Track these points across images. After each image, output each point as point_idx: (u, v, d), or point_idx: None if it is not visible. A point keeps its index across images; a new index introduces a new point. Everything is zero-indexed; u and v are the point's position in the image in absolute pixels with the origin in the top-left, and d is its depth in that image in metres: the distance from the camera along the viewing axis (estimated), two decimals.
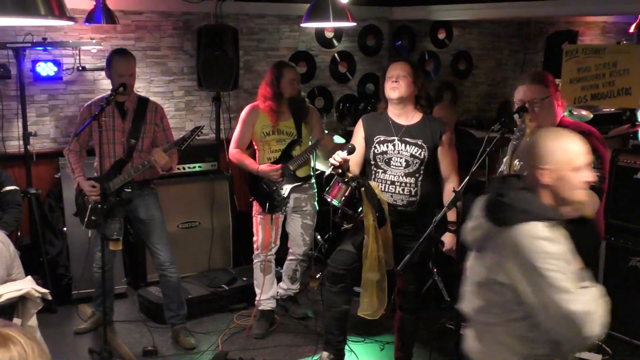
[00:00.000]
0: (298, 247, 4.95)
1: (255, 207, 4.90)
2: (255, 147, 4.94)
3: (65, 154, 4.69)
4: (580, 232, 3.04)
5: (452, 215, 3.70)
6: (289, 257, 5.04)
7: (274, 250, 4.93)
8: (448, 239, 3.92)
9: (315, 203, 4.97)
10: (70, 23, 1.58)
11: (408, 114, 4.02)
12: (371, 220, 3.86)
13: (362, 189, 3.87)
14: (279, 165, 4.73)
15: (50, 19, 1.45)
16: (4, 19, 1.49)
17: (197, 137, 4.55)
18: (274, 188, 4.77)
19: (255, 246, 4.93)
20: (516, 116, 3.25)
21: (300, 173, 4.82)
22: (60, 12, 1.44)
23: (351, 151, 3.88)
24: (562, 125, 3.17)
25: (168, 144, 4.53)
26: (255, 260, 4.95)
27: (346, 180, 3.88)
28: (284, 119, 4.81)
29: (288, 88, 4.74)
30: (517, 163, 3.20)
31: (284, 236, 5.02)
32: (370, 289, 3.96)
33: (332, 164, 3.81)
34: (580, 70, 5.09)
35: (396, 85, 3.94)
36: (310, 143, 4.86)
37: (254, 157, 4.91)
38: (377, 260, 3.89)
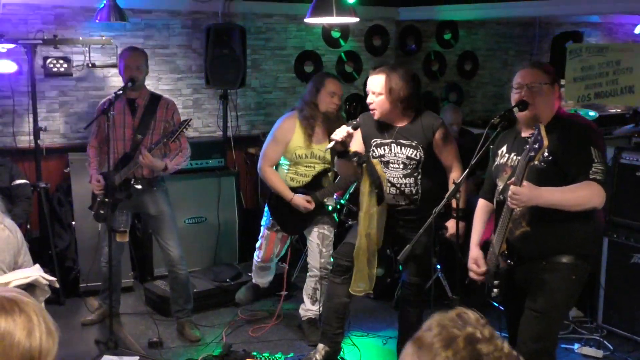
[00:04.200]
0: (314, 259, 4.67)
1: (265, 218, 4.79)
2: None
3: (87, 149, 4.80)
4: (583, 223, 3.12)
5: (461, 203, 3.70)
6: (309, 274, 4.77)
7: (275, 260, 4.94)
8: (451, 224, 3.87)
9: (335, 216, 4.81)
10: None
11: (399, 117, 3.93)
12: (366, 195, 3.89)
13: (364, 164, 3.88)
14: (312, 203, 4.51)
15: None
16: None
17: (185, 130, 4.39)
18: (299, 214, 4.58)
19: (256, 253, 4.91)
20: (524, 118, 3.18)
21: (328, 204, 4.67)
22: None
23: (356, 127, 3.83)
24: (559, 116, 3.17)
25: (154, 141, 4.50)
26: (254, 264, 5.00)
27: (348, 156, 3.86)
28: (319, 140, 4.55)
29: (325, 101, 4.49)
30: (515, 158, 3.22)
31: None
32: (361, 265, 3.97)
33: (333, 139, 3.76)
34: (584, 69, 5.13)
35: (372, 106, 3.88)
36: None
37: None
38: (367, 238, 3.92)
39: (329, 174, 4.66)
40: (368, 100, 3.92)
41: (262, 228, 4.85)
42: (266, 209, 4.77)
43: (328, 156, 4.54)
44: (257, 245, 4.90)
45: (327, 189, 4.57)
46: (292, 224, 4.67)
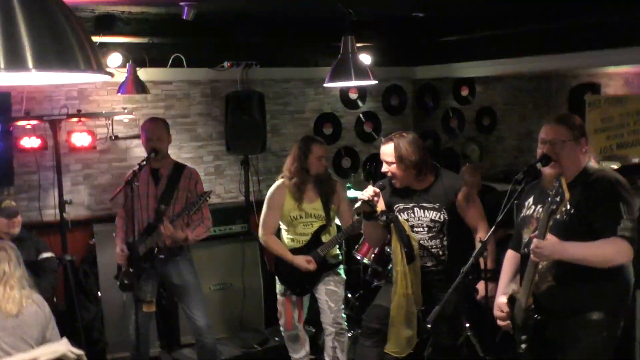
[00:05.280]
0: (324, 315, 4.68)
1: (278, 285, 4.83)
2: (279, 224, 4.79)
3: (116, 219, 4.86)
4: (612, 278, 3.07)
5: (489, 263, 3.66)
6: (325, 333, 4.78)
7: (300, 327, 4.87)
8: (482, 286, 3.80)
9: (341, 271, 4.82)
10: (108, 78, 1.66)
11: (416, 181, 3.94)
12: (399, 257, 3.86)
13: (392, 224, 3.87)
14: (313, 263, 4.56)
15: (89, 72, 1.51)
16: (49, 76, 1.57)
17: (207, 200, 4.50)
18: (303, 275, 4.63)
19: (280, 322, 4.89)
20: (547, 172, 3.17)
21: (331, 258, 4.71)
22: (98, 66, 1.52)
23: (382, 187, 3.86)
24: (586, 170, 3.13)
25: (177, 211, 4.55)
26: (284, 338, 4.96)
27: (375, 215, 3.86)
28: (311, 200, 4.66)
29: (315, 165, 4.61)
30: (540, 210, 3.18)
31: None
32: (398, 325, 3.92)
33: (360, 199, 3.78)
34: (604, 121, 5.13)
35: (391, 175, 3.91)
36: (337, 222, 4.83)
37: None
38: (405, 297, 3.87)
39: (329, 228, 4.71)
40: (383, 169, 3.95)
41: (277, 296, 4.86)
42: (276, 276, 4.82)
43: (323, 213, 4.63)
44: (278, 314, 4.88)
45: (326, 244, 4.62)
46: (299, 284, 4.70)
